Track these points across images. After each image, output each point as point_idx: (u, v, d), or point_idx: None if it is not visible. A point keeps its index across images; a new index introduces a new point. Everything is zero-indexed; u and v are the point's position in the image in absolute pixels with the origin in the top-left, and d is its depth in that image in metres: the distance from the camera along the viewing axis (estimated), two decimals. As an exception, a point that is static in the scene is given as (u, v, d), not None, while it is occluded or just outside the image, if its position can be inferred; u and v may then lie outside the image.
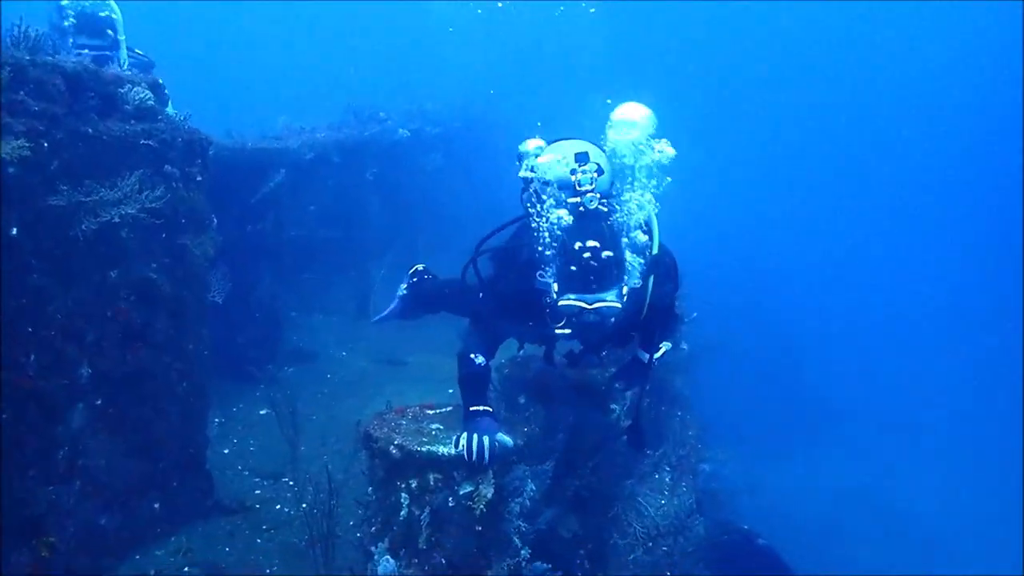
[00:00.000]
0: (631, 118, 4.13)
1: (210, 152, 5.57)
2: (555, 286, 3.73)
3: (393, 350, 9.99)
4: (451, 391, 4.80)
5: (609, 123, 4.22)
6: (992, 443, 17.20)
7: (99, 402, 4.78)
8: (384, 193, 11.42)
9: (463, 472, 3.80)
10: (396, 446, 3.85)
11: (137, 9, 8.06)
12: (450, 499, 3.81)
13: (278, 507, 6.02)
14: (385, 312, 5.55)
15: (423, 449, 3.80)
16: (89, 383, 4.68)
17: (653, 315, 4.05)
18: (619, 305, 3.65)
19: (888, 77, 32.28)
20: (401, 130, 11.43)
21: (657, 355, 4.47)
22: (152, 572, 4.97)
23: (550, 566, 4.25)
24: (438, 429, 4.04)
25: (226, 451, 6.90)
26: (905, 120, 31.54)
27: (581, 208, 3.86)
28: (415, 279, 5.49)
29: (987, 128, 29.91)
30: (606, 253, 3.64)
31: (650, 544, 5.20)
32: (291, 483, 6.39)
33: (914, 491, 14.82)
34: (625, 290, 3.71)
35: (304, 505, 5.98)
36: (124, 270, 4.84)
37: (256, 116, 9.91)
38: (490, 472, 3.83)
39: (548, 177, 4.17)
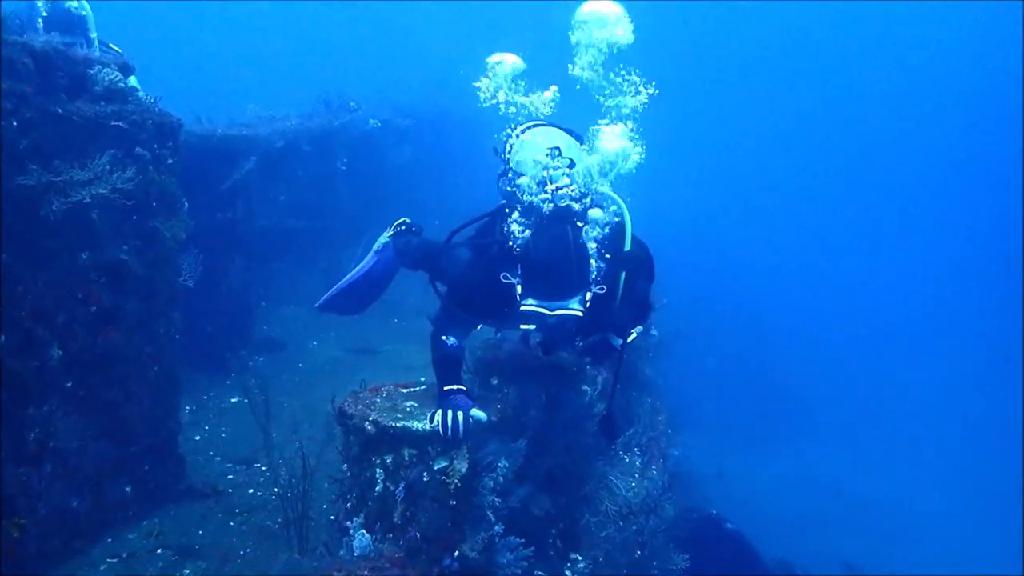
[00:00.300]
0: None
1: (180, 137, 5.55)
2: (519, 289, 3.72)
3: (365, 340, 9.99)
4: (423, 378, 4.81)
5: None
6: (963, 434, 17.68)
7: (70, 384, 4.76)
8: (355, 184, 11.41)
9: (437, 447, 3.85)
10: (371, 422, 3.89)
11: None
12: (424, 474, 3.86)
13: (251, 491, 6.02)
14: (351, 276, 5.29)
15: (398, 425, 3.85)
16: (60, 365, 4.65)
17: (625, 308, 4.06)
18: (580, 313, 3.65)
19: (880, 74, 32.72)
20: (372, 120, 11.44)
21: (628, 339, 4.40)
22: (124, 554, 4.96)
23: (523, 541, 4.31)
24: (412, 406, 4.08)
25: (197, 438, 6.88)
26: (890, 116, 32.01)
27: (551, 204, 3.83)
28: (401, 228, 5.32)
29: (971, 126, 30.43)
30: (569, 264, 3.63)
31: (621, 523, 5.26)
32: (264, 468, 6.39)
33: (882, 481, 15.18)
34: (589, 296, 3.70)
35: (277, 489, 6.00)
36: (95, 252, 4.81)
37: (224, 104, 9.84)
38: (464, 448, 3.88)
39: (521, 170, 4.16)
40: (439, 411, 3.80)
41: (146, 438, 5.35)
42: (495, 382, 4.89)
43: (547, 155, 3.94)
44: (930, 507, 14.50)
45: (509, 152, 4.35)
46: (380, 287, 5.36)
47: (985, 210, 30.06)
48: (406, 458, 3.88)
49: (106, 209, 4.76)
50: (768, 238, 27.23)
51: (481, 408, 4.02)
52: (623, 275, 3.94)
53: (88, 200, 4.43)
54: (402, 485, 3.85)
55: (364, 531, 3.90)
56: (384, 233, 5.30)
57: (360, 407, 4.03)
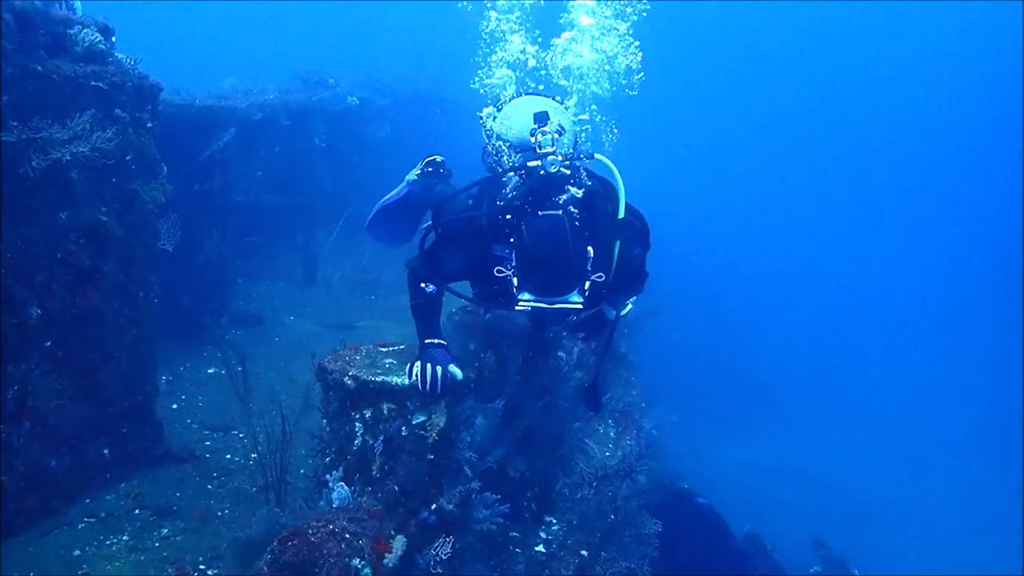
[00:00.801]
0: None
1: (159, 102, 5.55)
2: (515, 281, 3.57)
3: (342, 315, 10.04)
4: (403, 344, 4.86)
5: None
6: (937, 421, 18.09)
7: (48, 344, 4.77)
8: (333, 161, 11.41)
9: (416, 402, 3.91)
10: (351, 377, 3.94)
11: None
12: (403, 428, 3.92)
13: (228, 456, 6.07)
14: (389, 197, 5.29)
15: (377, 379, 3.90)
16: (39, 324, 4.67)
17: (620, 278, 3.90)
18: (581, 305, 3.52)
19: (880, 73, 33.02)
20: (350, 98, 11.44)
21: (623, 311, 4.34)
22: (102, 514, 4.99)
23: (499, 497, 4.40)
24: (391, 363, 4.14)
25: (175, 406, 6.90)
26: (885, 113, 32.33)
27: (542, 171, 3.63)
28: (430, 169, 5.22)
29: (971, 126, 30.80)
30: (568, 259, 3.47)
31: (597, 484, 5.37)
32: (241, 435, 6.44)
33: (850, 468, 15.51)
34: (587, 284, 3.53)
35: (255, 456, 6.05)
36: (74, 212, 4.81)
37: (201, 78, 9.79)
38: (442, 403, 3.95)
39: (507, 137, 4.06)
40: (417, 364, 3.82)
41: (124, 400, 5.37)
42: (472, 347, 4.96)
43: (535, 121, 3.77)
44: (901, 494, 14.90)
45: (494, 122, 4.25)
46: (413, 217, 5.36)
47: (955, 196, 30.59)
48: (385, 412, 3.93)
49: (85, 169, 4.76)
50: (752, 228, 27.55)
51: (459, 367, 4.09)
52: (618, 244, 3.78)
53: (68, 158, 4.43)
54: (381, 439, 3.91)
55: (343, 484, 3.96)
56: (413, 170, 5.30)
57: (340, 363, 4.08)
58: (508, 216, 3.63)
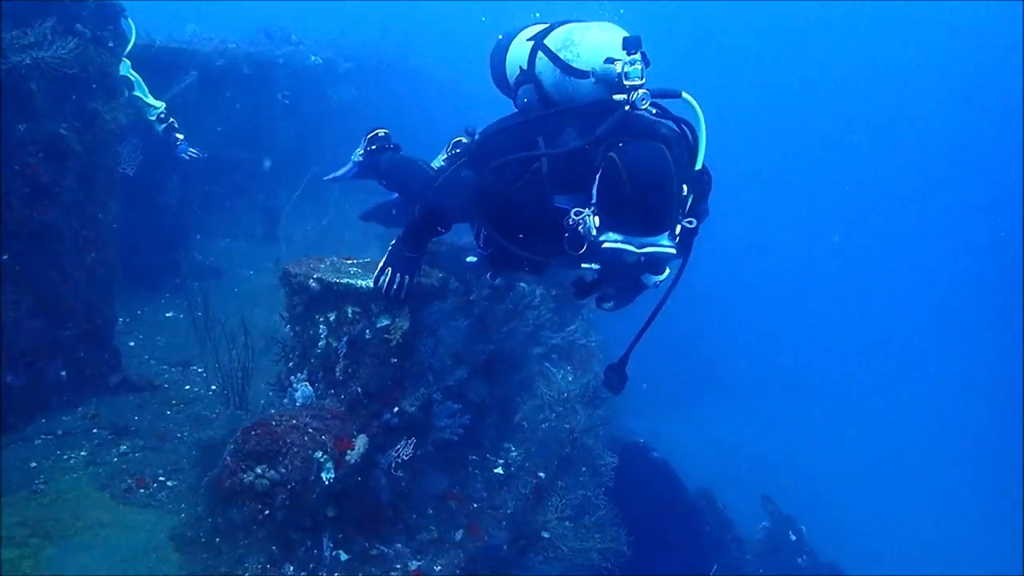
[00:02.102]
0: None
1: (121, 24, 5.50)
2: (595, 220, 2.98)
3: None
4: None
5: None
6: (888, 412, 18.67)
7: (6, 257, 4.71)
8: (294, 119, 11.32)
9: (380, 305, 3.97)
10: (315, 280, 3.98)
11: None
12: (367, 331, 3.97)
13: (187, 387, 6.05)
14: (339, 172, 5.23)
15: (342, 282, 3.95)
16: (-2, 237, 4.61)
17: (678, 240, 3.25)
18: (674, 251, 2.95)
19: (880, 73, 33.49)
20: (313, 57, 11.34)
21: (660, 278, 3.73)
22: (59, 432, 4.95)
23: (460, 407, 4.48)
24: (356, 271, 4.19)
25: (132, 344, 6.83)
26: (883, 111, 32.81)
27: (627, 107, 3.16)
28: (373, 147, 4.99)
29: (971, 126, 31.39)
30: (671, 189, 2.93)
31: (561, 409, 5.46)
32: (200, 370, 6.42)
33: (801, 449, 15.95)
34: (679, 229, 2.99)
35: (214, 387, 6.05)
36: (33, 125, 4.75)
37: (161, 25, 9.62)
38: (406, 307, 4.01)
39: (578, 66, 3.47)
40: (387, 268, 3.77)
41: (82, 323, 5.31)
42: (440, 275, 5.01)
43: (625, 47, 3.26)
44: (855, 475, 15.43)
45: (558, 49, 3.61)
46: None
47: (931, 187, 31.35)
48: (349, 315, 3.98)
49: (45, 81, 4.70)
50: (728, 217, 27.92)
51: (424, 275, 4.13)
52: (691, 199, 3.19)
53: (28, 62, 4.38)
54: (345, 341, 3.95)
55: (307, 384, 4.00)
56: (360, 148, 5.14)
57: (305, 268, 4.12)
58: (586, 153, 3.13)
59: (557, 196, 3.21)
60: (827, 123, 33.20)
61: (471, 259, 3.91)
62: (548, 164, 3.22)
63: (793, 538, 10.51)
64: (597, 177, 3.04)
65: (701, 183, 3.31)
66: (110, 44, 5.26)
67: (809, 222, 30.27)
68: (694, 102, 3.27)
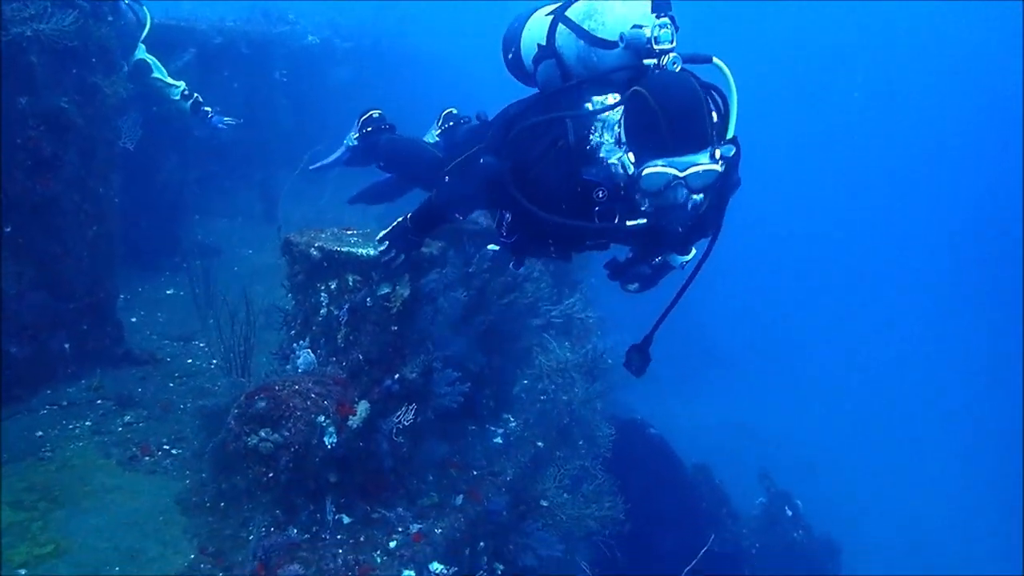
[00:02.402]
0: None
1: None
2: (630, 157, 2.85)
3: (301, 249, 10.02)
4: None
5: None
6: (881, 391, 18.82)
7: (8, 229, 4.76)
8: (292, 99, 11.32)
9: (381, 273, 4.02)
10: (316, 248, 4.03)
11: None
12: (368, 299, 4.02)
13: (189, 361, 6.11)
14: (327, 160, 5.17)
15: (343, 250, 3.99)
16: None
17: (709, 210, 3.10)
18: (719, 168, 2.79)
19: (879, 73, 33.42)
20: (310, 36, 11.34)
21: (686, 259, 3.65)
22: (64, 403, 5.02)
23: (459, 375, 4.54)
24: (356, 240, 4.23)
25: (134, 319, 6.87)
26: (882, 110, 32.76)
27: (657, 72, 3.01)
28: (369, 128, 4.90)
29: (970, 126, 31.34)
30: (701, 102, 2.81)
31: (559, 380, 5.53)
32: (202, 345, 6.48)
33: (798, 428, 16.10)
34: (718, 153, 2.81)
35: (215, 361, 6.11)
36: (34, 98, 4.78)
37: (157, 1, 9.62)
38: (406, 275, 4.06)
39: (603, 35, 3.30)
40: (391, 247, 3.80)
41: (84, 296, 5.37)
42: (440, 244, 5.05)
43: (654, 10, 3.15)
44: (850, 454, 15.59)
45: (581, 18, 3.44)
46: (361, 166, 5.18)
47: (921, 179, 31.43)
48: (350, 283, 4.03)
49: (45, 54, 4.73)
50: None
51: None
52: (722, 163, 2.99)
53: (29, 34, 4.41)
54: (346, 308, 4.01)
55: (308, 350, 4.06)
56: (353, 131, 5.05)
57: (306, 237, 4.16)
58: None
59: (585, 169, 3.07)
60: (826, 120, 33.24)
61: (493, 248, 3.88)
62: (574, 131, 3.07)
63: (789, 513, 10.64)
64: (622, 119, 2.93)
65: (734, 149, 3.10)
66: (109, 19, 5.27)
67: (807, 201, 30.32)
68: (725, 68, 3.13)
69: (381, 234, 3.87)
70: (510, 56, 3.95)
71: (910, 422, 18.12)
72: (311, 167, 5.38)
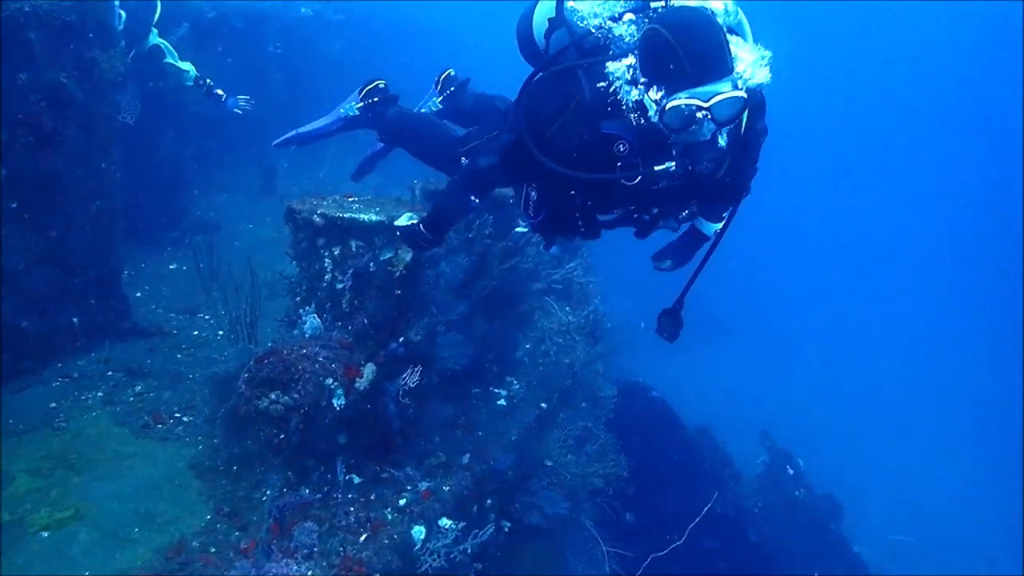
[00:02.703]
0: None
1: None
2: (650, 95, 2.76)
3: (301, 223, 10.06)
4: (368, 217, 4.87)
5: None
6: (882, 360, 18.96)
7: (14, 205, 4.81)
8: (287, 72, 11.31)
9: (383, 238, 4.09)
10: (319, 215, 4.10)
11: None
12: (371, 264, 4.10)
13: (196, 333, 6.19)
14: (310, 127, 4.94)
15: (345, 216, 4.07)
16: (3, 184, 4.70)
17: (738, 163, 3.08)
18: (744, 95, 2.70)
19: (879, 74, 33.16)
20: (303, 8, 11.30)
21: (717, 227, 3.58)
22: (75, 375, 5.10)
23: (463, 338, 4.63)
24: (358, 207, 4.30)
25: (139, 294, 6.94)
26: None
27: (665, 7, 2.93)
28: (375, 99, 4.78)
29: (970, 127, 31.15)
30: (716, 29, 2.74)
31: (560, 341, 5.62)
32: (207, 318, 6.55)
33: (800, 394, 16.24)
34: (741, 83, 2.73)
35: (221, 332, 6.20)
36: (33, 74, 4.81)
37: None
38: (408, 241, 4.13)
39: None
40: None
41: (90, 270, 5.44)
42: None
43: None
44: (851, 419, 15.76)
45: None
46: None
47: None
48: (353, 249, 4.11)
49: (43, 30, 4.76)
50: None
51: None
52: (746, 111, 2.88)
53: (28, 9, 4.43)
54: (350, 273, 4.08)
55: (315, 315, 4.14)
56: (353, 101, 4.90)
57: (308, 204, 4.23)
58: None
59: (604, 122, 2.96)
60: (826, 118, 33.12)
61: (520, 230, 3.86)
62: (587, 82, 2.98)
63: (791, 472, 10.77)
64: (637, 61, 2.82)
65: (754, 95, 2.93)
66: (104, -7, 5.29)
67: (812, 173, 30.31)
68: (742, 16, 3.06)
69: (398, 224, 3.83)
70: (524, 43, 3.86)
71: (910, 390, 18.27)
72: (289, 136, 5.03)
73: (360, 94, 4.89)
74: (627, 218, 3.39)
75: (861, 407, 16.82)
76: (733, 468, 10.33)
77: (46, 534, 3.63)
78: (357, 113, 4.87)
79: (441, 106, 5.09)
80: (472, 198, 3.58)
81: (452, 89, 5.00)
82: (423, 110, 5.21)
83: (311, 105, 11.47)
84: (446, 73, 5.08)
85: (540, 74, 3.25)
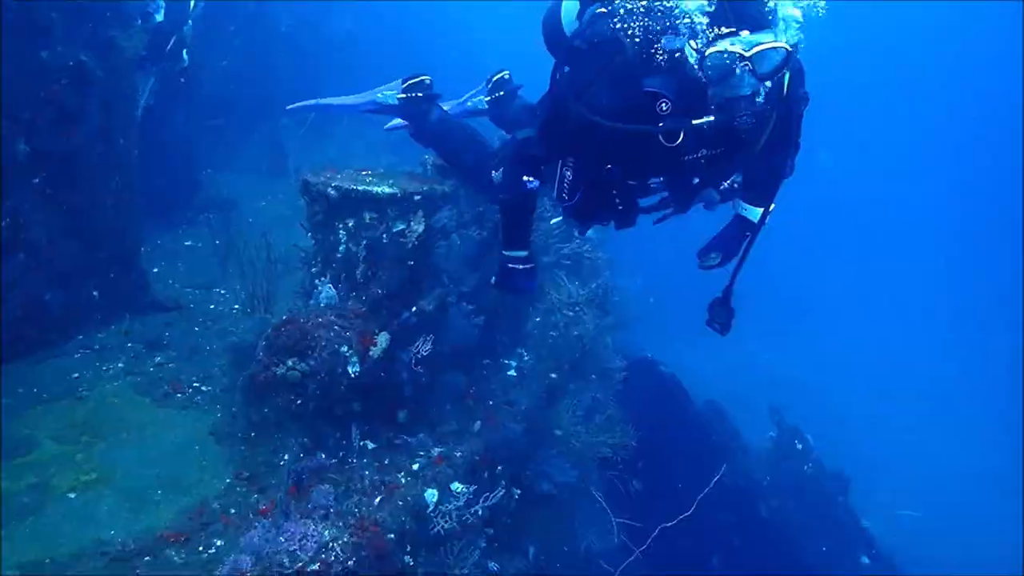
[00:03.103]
0: None
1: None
2: (691, 44, 2.77)
3: (313, 201, 10.18)
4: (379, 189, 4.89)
5: None
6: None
7: (37, 181, 4.94)
8: (296, 54, 11.39)
9: (396, 210, 4.19)
10: (334, 187, 4.20)
11: None
12: (384, 235, 4.21)
13: (212, 306, 6.32)
14: (336, 100, 4.98)
15: (359, 188, 4.17)
16: (26, 160, 4.82)
17: (781, 132, 3.09)
18: (787, 46, 2.70)
19: (879, 74, 32.89)
20: (313, -11, 11.36)
21: (766, 212, 3.51)
22: (96, 347, 5.25)
23: (474, 308, 4.74)
24: (372, 180, 4.40)
25: (155, 270, 7.06)
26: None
27: None
28: (418, 93, 4.68)
29: (970, 126, 30.89)
30: None
31: (570, 313, 5.71)
32: (223, 292, 6.69)
33: (815, 372, 16.28)
34: (783, 39, 2.74)
35: (237, 306, 6.33)
36: (54, 53, 4.92)
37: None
38: (420, 211, 4.23)
39: None
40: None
41: (111, 245, 5.57)
42: (451, 182, 5.19)
43: None
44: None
45: None
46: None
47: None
48: (367, 220, 4.21)
49: (62, 11, 4.87)
50: None
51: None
52: (788, 75, 2.92)
53: (46, -11, 4.53)
54: (363, 244, 4.19)
55: (330, 286, 4.25)
56: (395, 91, 4.80)
57: (323, 177, 4.33)
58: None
59: (647, 79, 2.93)
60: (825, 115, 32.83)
61: (554, 221, 3.86)
62: (628, 42, 2.93)
63: (799, 447, 10.87)
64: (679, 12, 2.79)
65: (794, 60, 2.96)
66: (119, -30, 5.38)
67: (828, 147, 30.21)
68: None
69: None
70: (550, 35, 3.80)
71: (922, 370, 18.25)
72: (309, 104, 5.15)
73: (403, 84, 4.79)
74: (665, 200, 3.38)
75: (877, 384, 16.82)
76: (742, 442, 10.43)
77: (73, 495, 3.77)
78: (396, 103, 4.78)
79: (487, 107, 5.07)
80: (525, 179, 3.38)
81: (502, 93, 4.95)
82: (468, 104, 5.19)
83: (319, 86, 11.60)
84: (500, 74, 4.98)
85: (577, 41, 3.23)
